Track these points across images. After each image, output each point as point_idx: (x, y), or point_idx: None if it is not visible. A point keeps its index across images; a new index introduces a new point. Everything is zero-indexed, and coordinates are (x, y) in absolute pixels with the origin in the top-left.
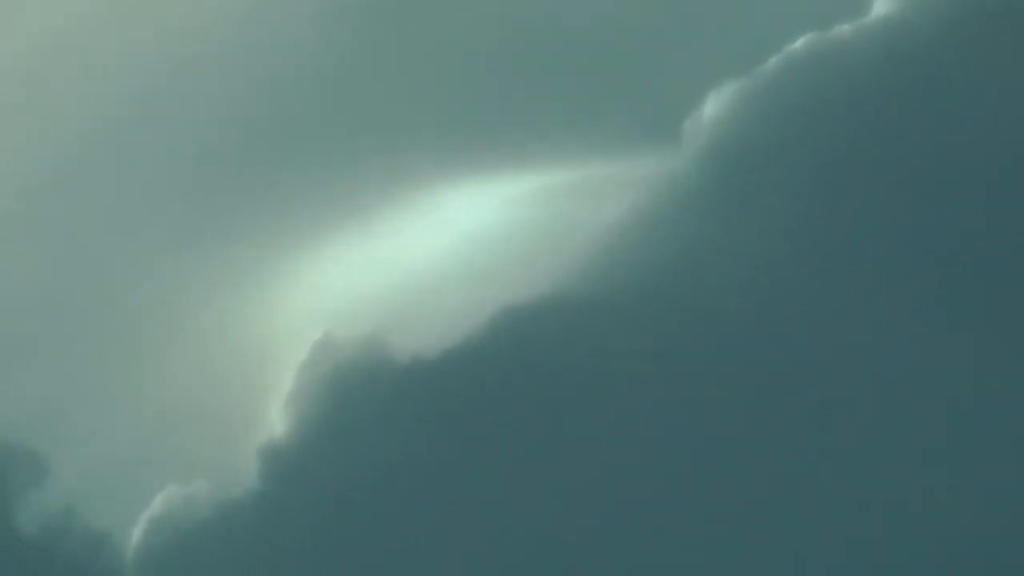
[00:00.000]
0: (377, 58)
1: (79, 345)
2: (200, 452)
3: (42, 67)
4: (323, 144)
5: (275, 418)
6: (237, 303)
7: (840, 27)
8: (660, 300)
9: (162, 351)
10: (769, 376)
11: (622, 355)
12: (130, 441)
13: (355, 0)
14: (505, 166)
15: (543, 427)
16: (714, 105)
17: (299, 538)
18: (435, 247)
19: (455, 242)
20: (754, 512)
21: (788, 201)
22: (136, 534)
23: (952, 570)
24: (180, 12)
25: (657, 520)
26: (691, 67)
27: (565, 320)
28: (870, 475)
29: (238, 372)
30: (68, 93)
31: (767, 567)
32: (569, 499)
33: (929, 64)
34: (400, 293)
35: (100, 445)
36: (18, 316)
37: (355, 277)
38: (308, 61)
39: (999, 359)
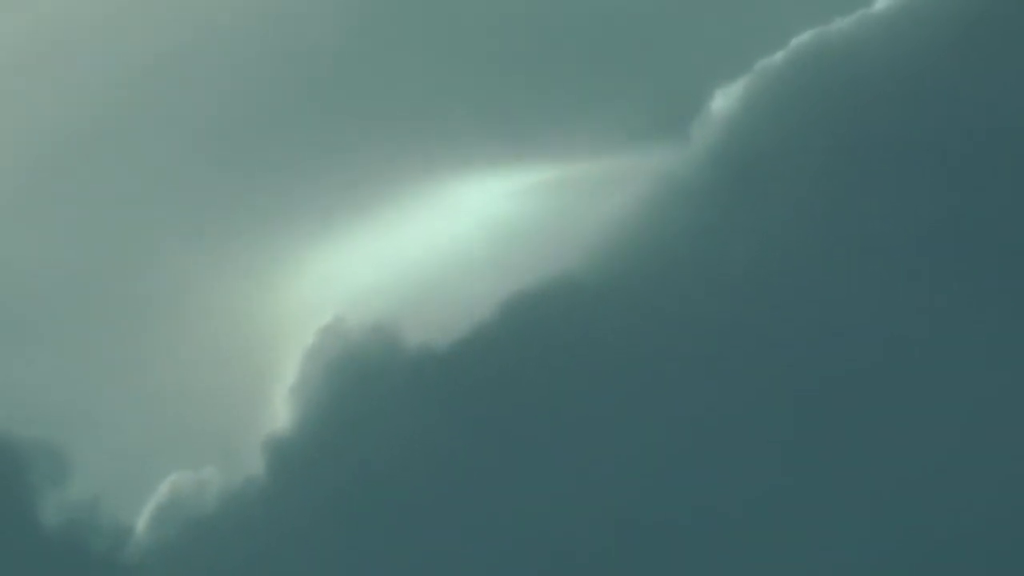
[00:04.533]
0: (388, 49)
1: (85, 333)
2: (207, 439)
3: (50, 49)
4: (333, 133)
5: (281, 404)
6: (245, 291)
7: (844, 20)
8: (668, 290)
9: (170, 338)
10: (777, 368)
11: (630, 344)
12: (137, 429)
13: None
14: (514, 158)
15: (551, 416)
16: (721, 99)
17: (306, 525)
18: (444, 236)
19: (465, 231)
20: (766, 492)
21: (794, 193)
22: (144, 521)
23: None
24: None
25: (671, 504)
26: (698, 61)
27: (573, 309)
28: (875, 454)
29: (246, 358)
30: (78, 76)
31: (782, 542)
32: (580, 487)
33: (935, 55)
34: (409, 281)
35: (107, 433)
36: (24, 305)
37: (363, 266)
38: (319, 48)
39: (1010, 354)
